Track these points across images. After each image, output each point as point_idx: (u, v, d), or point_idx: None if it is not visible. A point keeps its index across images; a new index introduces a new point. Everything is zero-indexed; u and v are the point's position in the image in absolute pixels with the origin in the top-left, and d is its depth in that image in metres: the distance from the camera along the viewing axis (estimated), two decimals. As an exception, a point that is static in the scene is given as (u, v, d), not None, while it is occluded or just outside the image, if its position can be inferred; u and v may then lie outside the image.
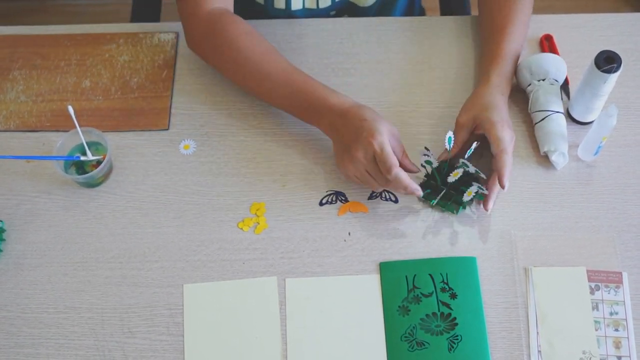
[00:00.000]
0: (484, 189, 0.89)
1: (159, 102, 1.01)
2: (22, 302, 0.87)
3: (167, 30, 1.08)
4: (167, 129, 0.99)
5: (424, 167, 0.92)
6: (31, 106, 1.01)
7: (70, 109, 0.90)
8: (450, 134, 0.87)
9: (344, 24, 1.09)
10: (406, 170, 0.87)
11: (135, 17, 1.22)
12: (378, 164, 0.83)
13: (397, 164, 0.83)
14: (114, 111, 1.00)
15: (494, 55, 0.95)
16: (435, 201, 0.91)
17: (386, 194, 0.93)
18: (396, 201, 0.92)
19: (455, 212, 0.91)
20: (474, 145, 0.87)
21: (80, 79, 1.03)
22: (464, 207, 0.91)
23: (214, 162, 0.96)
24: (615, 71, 0.87)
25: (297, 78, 0.91)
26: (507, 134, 0.87)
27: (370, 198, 0.93)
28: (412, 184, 0.85)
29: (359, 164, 0.85)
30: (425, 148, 0.89)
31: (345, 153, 0.86)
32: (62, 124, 0.99)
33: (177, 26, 1.06)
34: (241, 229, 0.91)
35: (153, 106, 1.01)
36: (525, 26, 0.99)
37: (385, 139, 0.83)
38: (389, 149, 0.82)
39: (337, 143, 0.89)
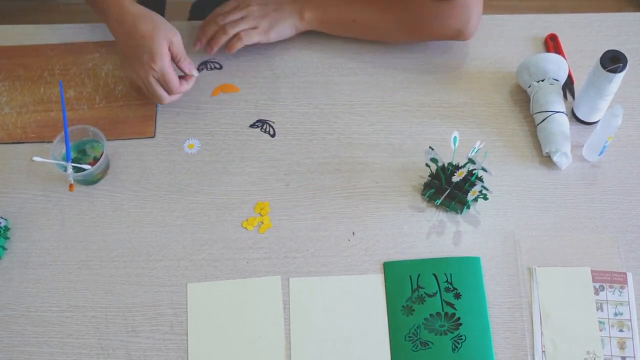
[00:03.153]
0: (488, 189, 0.89)
1: (144, 109, 1.01)
2: (26, 300, 0.87)
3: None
4: (153, 137, 0.99)
5: (428, 166, 0.92)
6: (16, 118, 1.01)
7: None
8: (455, 133, 0.87)
9: (348, 23, 1.09)
10: (185, 72, 0.94)
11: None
12: (161, 83, 0.92)
13: (178, 84, 0.93)
14: (99, 120, 1.00)
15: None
16: (440, 201, 0.91)
17: (210, 64, 1.03)
18: (220, 68, 1.00)
19: (459, 211, 0.91)
20: (479, 143, 0.87)
21: (64, 89, 1.03)
22: (468, 207, 0.91)
23: (218, 162, 0.96)
24: (620, 71, 0.87)
25: None
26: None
27: None
28: (187, 86, 0.95)
29: (140, 78, 0.93)
30: (430, 147, 0.89)
31: (127, 63, 0.93)
32: (47, 135, 0.98)
33: (181, 25, 1.06)
34: (245, 228, 0.91)
35: (138, 114, 1.00)
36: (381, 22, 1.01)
37: (166, 63, 0.90)
38: (170, 74, 0.91)
39: (120, 49, 0.94)
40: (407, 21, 1.00)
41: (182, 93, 0.96)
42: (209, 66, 1.04)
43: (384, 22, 1.01)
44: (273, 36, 1.02)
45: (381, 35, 1.04)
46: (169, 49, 0.91)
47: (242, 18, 1.02)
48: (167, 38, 0.91)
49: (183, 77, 0.96)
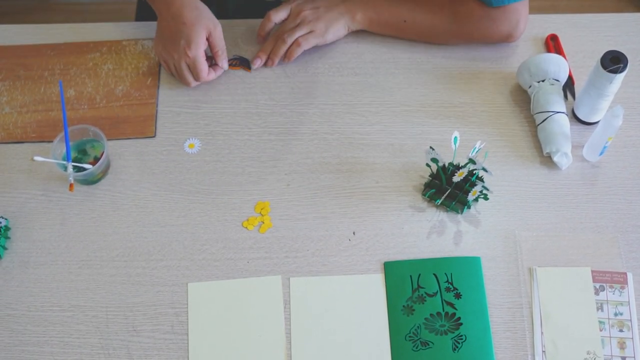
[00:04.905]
0: (489, 189, 0.89)
1: (144, 109, 1.01)
2: (27, 300, 0.87)
3: (151, 37, 1.08)
4: (154, 137, 0.99)
5: (428, 166, 0.92)
6: (16, 117, 1.01)
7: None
8: (456, 133, 0.87)
9: (348, 23, 1.09)
10: (217, 63, 1.00)
11: (140, 16, 1.22)
12: (191, 69, 0.98)
13: (206, 73, 0.99)
14: (99, 120, 1.00)
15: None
16: (440, 201, 0.91)
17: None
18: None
19: (460, 211, 0.91)
20: (479, 143, 0.87)
21: (64, 89, 1.03)
22: (469, 207, 0.91)
23: (218, 161, 0.97)
24: (621, 71, 0.87)
25: None
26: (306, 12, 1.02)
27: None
28: (214, 76, 1.01)
29: (173, 60, 0.99)
30: (431, 147, 0.89)
31: (163, 43, 0.99)
32: (47, 135, 0.98)
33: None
34: (246, 227, 0.91)
35: (139, 114, 1.00)
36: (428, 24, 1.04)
37: (200, 52, 0.96)
38: (201, 63, 0.97)
39: (159, 28, 1.00)
40: (457, 25, 1.01)
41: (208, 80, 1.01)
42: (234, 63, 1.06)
43: (434, 24, 1.02)
44: (330, 37, 1.04)
45: (431, 36, 1.05)
46: (207, 39, 0.97)
47: (297, 25, 1.03)
48: (207, 28, 0.96)
49: (212, 65, 1.01)
